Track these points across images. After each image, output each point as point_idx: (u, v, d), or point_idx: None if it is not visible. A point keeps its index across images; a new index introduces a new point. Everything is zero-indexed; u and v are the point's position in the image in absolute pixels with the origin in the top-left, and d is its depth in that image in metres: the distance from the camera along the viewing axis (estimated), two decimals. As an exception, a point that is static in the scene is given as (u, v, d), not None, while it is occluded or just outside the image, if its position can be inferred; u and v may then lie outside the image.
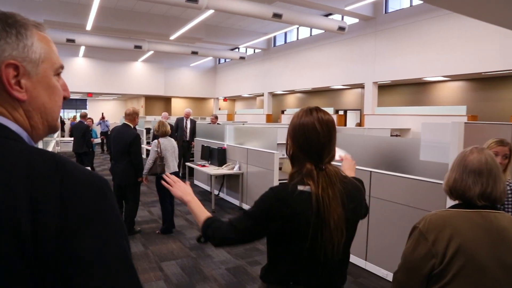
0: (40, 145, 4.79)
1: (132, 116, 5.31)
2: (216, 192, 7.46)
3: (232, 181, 7.26)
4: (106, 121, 16.33)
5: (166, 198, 5.39)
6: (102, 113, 18.39)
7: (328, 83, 14.88)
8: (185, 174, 8.75)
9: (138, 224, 5.73)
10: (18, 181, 0.61)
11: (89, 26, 13.04)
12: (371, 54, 12.71)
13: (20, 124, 0.72)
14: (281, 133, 7.79)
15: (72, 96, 27.35)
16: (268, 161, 6.10)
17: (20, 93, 0.71)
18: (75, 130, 9.05)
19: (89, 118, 9.86)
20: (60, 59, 0.82)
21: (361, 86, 14.09)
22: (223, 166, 7.10)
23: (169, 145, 5.37)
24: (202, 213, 1.52)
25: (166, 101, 25.80)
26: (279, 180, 5.86)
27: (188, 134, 9.69)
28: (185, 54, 17.94)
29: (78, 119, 22.63)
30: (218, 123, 10.41)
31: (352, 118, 16.25)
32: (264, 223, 1.37)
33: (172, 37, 14.58)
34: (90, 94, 22.32)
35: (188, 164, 7.91)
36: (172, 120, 10.69)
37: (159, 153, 5.28)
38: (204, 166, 7.33)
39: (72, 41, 13.99)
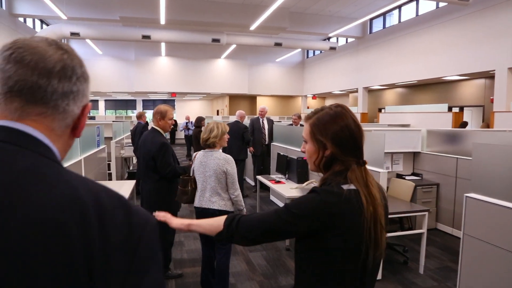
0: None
1: (155, 117, 3.70)
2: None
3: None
4: (191, 122, 15.21)
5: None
6: (187, 116, 17.53)
7: (440, 73, 11.94)
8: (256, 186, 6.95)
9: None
10: (90, 211, 0.62)
11: (162, 20, 12.02)
12: (506, 30, 9.62)
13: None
14: (390, 138, 5.59)
15: (157, 97, 27.58)
16: (371, 183, 4.00)
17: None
18: (134, 132, 7.86)
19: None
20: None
21: (488, 75, 10.99)
22: (304, 184, 5.13)
23: (212, 164, 3.35)
24: (215, 220, 1.45)
25: (250, 100, 24.52)
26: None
27: (267, 137, 7.91)
28: (268, 47, 16.29)
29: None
30: (301, 124, 8.46)
31: (470, 117, 12.96)
32: (306, 223, 1.26)
33: (252, 27, 12.97)
34: (174, 94, 21.91)
35: (259, 178, 6.06)
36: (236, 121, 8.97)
37: (192, 171, 3.60)
38: (279, 182, 5.45)
39: (148, 37, 13.19)
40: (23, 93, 0.66)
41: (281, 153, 6.00)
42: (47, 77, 0.67)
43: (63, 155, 0.74)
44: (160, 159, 3.69)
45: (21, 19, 13.51)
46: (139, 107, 30.23)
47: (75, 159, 4.66)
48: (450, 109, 12.33)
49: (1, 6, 11.98)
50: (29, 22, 14.62)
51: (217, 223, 1.42)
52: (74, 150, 4.74)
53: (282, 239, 1.38)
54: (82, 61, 0.75)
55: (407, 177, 5.81)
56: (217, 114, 26.14)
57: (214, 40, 14.02)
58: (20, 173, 0.61)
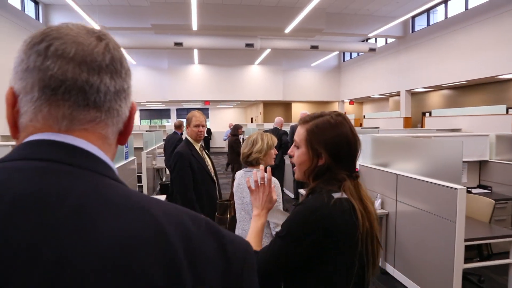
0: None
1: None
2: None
3: (368, 224, 4.54)
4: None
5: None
6: (230, 124, 17.06)
7: (495, 72, 10.85)
8: (298, 200, 6.30)
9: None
10: (176, 248, 0.49)
11: (194, 26, 11.69)
12: None
13: None
14: (468, 145, 4.82)
15: (191, 105, 27.48)
16: (442, 200, 3.27)
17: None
18: (167, 143, 7.43)
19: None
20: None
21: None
22: (353, 199, 4.45)
23: (244, 187, 2.65)
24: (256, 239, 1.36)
25: (285, 106, 23.90)
26: (465, 240, 3.08)
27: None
28: (303, 50, 15.63)
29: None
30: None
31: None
32: (304, 245, 1.17)
33: (287, 30, 12.41)
34: (207, 102, 21.64)
35: (301, 192, 5.41)
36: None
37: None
38: (324, 197, 4.79)
39: (180, 44, 12.89)
40: (72, 96, 0.53)
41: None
42: (98, 73, 0.55)
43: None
44: (172, 171, 3.26)
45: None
46: (173, 117, 30.31)
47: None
48: (507, 110, 11.18)
49: (38, 19, 12.06)
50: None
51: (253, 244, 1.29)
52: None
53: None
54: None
55: (473, 190, 4.99)
56: (251, 121, 25.68)
57: (248, 45, 13.55)
58: (80, 201, 0.47)
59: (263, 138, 2.60)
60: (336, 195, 1.19)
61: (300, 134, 1.32)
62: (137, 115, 29.42)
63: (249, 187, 1.48)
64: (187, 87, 19.86)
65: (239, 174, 2.62)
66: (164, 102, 22.76)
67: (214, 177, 3.42)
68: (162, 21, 11.70)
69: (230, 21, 12.01)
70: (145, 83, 20.26)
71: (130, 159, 5.99)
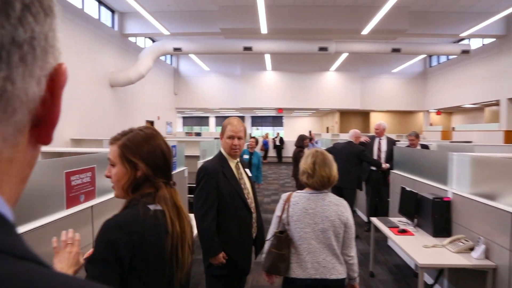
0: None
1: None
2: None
3: (468, 278, 3.33)
4: (316, 142, 13.57)
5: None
6: (310, 131, 16.21)
7: None
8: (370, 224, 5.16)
9: None
10: None
11: (264, 29, 11.05)
12: None
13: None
14: None
15: (264, 113, 27.00)
16: None
17: None
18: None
19: (252, 138, 7.53)
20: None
21: None
22: (446, 241, 3.30)
23: (328, 212, 2.30)
24: None
25: (363, 116, 22.35)
26: None
27: (384, 160, 6.12)
28: (383, 54, 14.23)
29: (270, 136, 22.14)
30: (423, 145, 6.47)
31: None
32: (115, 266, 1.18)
33: (365, 31, 11.22)
34: (280, 110, 20.95)
35: (374, 221, 4.30)
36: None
37: (285, 224, 2.38)
38: (404, 232, 3.69)
39: (249, 48, 12.37)
40: None
41: (407, 188, 4.21)
42: None
43: (17, 195, 0.36)
44: (195, 190, 2.54)
45: (131, 38, 13.86)
46: (247, 124, 30.19)
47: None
48: None
49: (114, 28, 12.33)
50: (133, 39, 15.05)
51: None
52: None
53: None
54: None
55: None
56: (327, 131, 24.45)
57: (321, 49, 12.57)
58: None
59: (306, 160, 2.35)
60: (152, 207, 1.26)
61: (113, 152, 1.32)
62: (212, 122, 29.70)
63: (55, 248, 1.40)
64: (259, 94, 19.39)
65: (301, 197, 2.35)
66: (237, 109, 22.56)
67: (252, 205, 2.59)
68: (231, 25, 11.26)
69: (301, 24, 11.18)
70: (218, 90, 20.20)
71: (178, 169, 5.38)
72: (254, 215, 2.58)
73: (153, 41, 14.98)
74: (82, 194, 2.86)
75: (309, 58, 17.23)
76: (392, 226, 3.87)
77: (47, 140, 0.39)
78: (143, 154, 1.30)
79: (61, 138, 9.39)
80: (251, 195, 2.60)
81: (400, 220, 4.14)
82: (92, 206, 2.92)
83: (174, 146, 5.44)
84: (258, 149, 19.06)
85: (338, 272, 2.26)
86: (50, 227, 2.39)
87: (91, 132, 10.62)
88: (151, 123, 16.54)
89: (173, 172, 5.05)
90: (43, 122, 0.37)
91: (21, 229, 2.15)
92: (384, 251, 5.31)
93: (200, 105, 20.47)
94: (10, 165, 0.33)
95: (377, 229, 4.13)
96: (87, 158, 3.00)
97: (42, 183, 2.43)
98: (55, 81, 0.36)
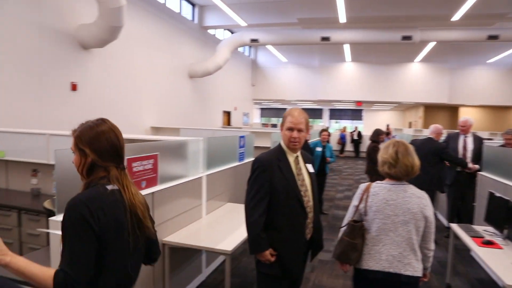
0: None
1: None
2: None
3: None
4: (393, 137, 12.76)
5: None
6: (388, 125, 15.45)
7: None
8: (450, 231, 4.65)
9: None
10: None
11: (342, 18, 10.61)
12: None
13: None
14: None
15: (343, 106, 26.19)
16: None
17: None
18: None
19: (325, 131, 7.29)
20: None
21: None
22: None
23: (410, 204, 2.22)
24: (39, 268, 1.31)
25: (451, 111, 20.64)
26: None
27: (470, 160, 5.50)
28: (478, 42, 12.92)
29: (348, 130, 21.40)
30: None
31: None
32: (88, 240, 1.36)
33: (455, 18, 10.23)
34: (359, 103, 20.16)
35: (454, 229, 3.84)
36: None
37: (362, 214, 2.33)
38: (489, 243, 3.25)
39: (327, 39, 12.00)
40: None
41: (497, 194, 3.70)
42: None
43: None
44: (248, 183, 2.40)
45: (210, 31, 14.22)
46: (325, 117, 29.59)
47: (192, 176, 3.68)
48: None
49: (194, 21, 12.74)
50: (212, 32, 15.38)
51: (47, 273, 1.31)
52: (193, 165, 3.76)
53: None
54: None
55: None
56: (409, 126, 23.03)
57: (405, 38, 11.75)
58: None
59: (387, 150, 2.33)
60: (109, 187, 1.45)
61: (72, 142, 1.52)
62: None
63: None
64: (338, 86, 18.84)
65: (381, 188, 2.29)
66: (315, 102, 22.18)
67: (309, 203, 2.40)
68: (308, 15, 11.02)
69: (383, 11, 10.52)
70: (295, 82, 20.03)
71: (246, 160, 5.38)
72: (310, 215, 2.39)
73: (232, 32, 15.23)
74: (144, 180, 2.94)
75: (391, 48, 16.26)
76: (475, 236, 3.44)
77: None
78: (90, 142, 1.48)
79: (142, 126, 9.97)
80: (309, 193, 2.41)
81: (485, 230, 3.67)
82: (153, 193, 2.98)
83: (242, 137, 5.44)
84: (334, 143, 18.58)
85: (414, 268, 2.17)
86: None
87: (169, 121, 11.13)
88: (228, 113, 16.93)
89: (241, 163, 5.10)
90: None
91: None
92: (465, 262, 4.77)
93: (277, 97, 20.48)
94: None
95: (457, 236, 3.71)
96: (150, 145, 3.07)
97: (104, 167, 2.52)
98: None
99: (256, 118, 26.77)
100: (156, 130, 10.24)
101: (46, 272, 1.31)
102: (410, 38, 11.73)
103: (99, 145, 1.48)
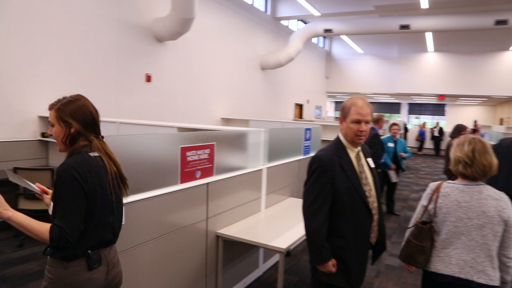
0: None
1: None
2: None
3: None
4: (482, 136, 11.74)
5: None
6: (475, 121, 14.22)
7: None
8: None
9: None
10: None
11: (424, 4, 9.79)
12: None
13: None
14: None
15: (423, 100, 24.47)
16: None
17: None
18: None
19: (395, 125, 6.79)
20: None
21: None
22: None
23: (486, 206, 2.00)
24: (37, 222, 1.52)
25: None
26: None
27: None
28: None
29: (428, 126, 19.91)
30: None
31: None
32: (84, 200, 1.57)
33: None
34: (442, 97, 18.67)
35: None
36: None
37: (431, 215, 2.15)
38: None
39: (406, 27, 11.18)
40: None
41: None
42: None
43: None
44: (306, 183, 2.15)
45: (283, 22, 14.03)
46: (404, 111, 27.99)
47: (252, 168, 3.57)
48: None
49: (266, 12, 12.65)
50: (285, 23, 15.13)
51: (44, 226, 1.51)
52: (253, 156, 3.65)
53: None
54: None
55: None
56: (500, 123, 20.85)
57: (499, 23, 10.49)
58: None
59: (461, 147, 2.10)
60: (92, 154, 1.64)
61: (52, 115, 1.67)
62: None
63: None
64: (418, 78, 17.61)
65: (453, 188, 2.09)
66: (392, 95, 21.01)
67: (374, 205, 2.14)
68: (386, 1, 10.33)
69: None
70: (372, 74, 19.13)
71: (312, 154, 5.15)
72: (376, 217, 2.14)
73: (305, 23, 14.89)
74: (198, 170, 2.88)
75: (481, 36, 14.71)
76: None
77: None
78: (74, 114, 1.65)
79: (213, 117, 10.13)
80: (373, 192, 2.15)
81: None
82: (208, 184, 2.92)
83: (308, 129, 5.22)
84: (412, 140, 17.43)
85: (489, 277, 1.96)
86: (161, 199, 2.44)
87: (240, 113, 11.20)
88: (300, 106, 16.67)
89: (306, 156, 4.89)
90: None
91: (133, 198, 2.23)
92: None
93: (352, 90, 19.72)
94: None
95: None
96: (206, 134, 2.99)
97: (157, 156, 2.48)
98: None
99: (329, 111, 26.10)
100: (226, 121, 10.36)
101: (43, 226, 1.50)
102: (506, 22, 10.44)
103: (83, 116, 1.67)
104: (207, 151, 2.95)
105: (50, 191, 1.86)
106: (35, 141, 5.69)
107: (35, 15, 5.66)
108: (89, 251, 1.62)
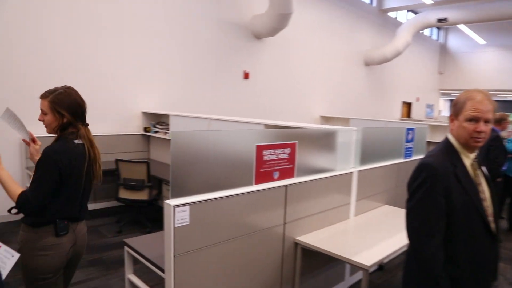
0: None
1: None
2: None
3: None
4: None
5: None
6: None
7: None
8: None
9: None
10: None
11: None
12: None
13: None
14: None
15: None
16: None
17: None
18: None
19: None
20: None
21: None
22: None
23: None
24: (16, 186, 1.85)
25: None
26: None
27: None
28: None
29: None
30: None
31: None
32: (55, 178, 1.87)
33: None
34: None
35: None
36: None
37: None
38: None
39: (444, 20, 9.57)
40: None
41: None
42: None
43: None
44: (410, 198, 1.71)
45: (390, 13, 13.06)
46: (536, 111, 24.19)
47: (341, 170, 3.23)
48: None
49: (372, 4, 11.90)
50: (393, 14, 14.02)
51: (18, 190, 1.84)
52: (342, 158, 3.32)
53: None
54: None
55: None
56: None
57: None
58: None
59: None
60: (76, 141, 1.93)
61: (45, 104, 1.92)
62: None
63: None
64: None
65: None
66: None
67: (493, 226, 1.68)
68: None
69: None
70: (495, 68, 16.86)
71: (414, 158, 4.59)
72: (496, 239, 1.68)
73: (415, 13, 13.66)
74: (277, 170, 2.66)
75: None
76: None
77: None
78: (67, 107, 1.92)
79: (311, 115, 9.84)
80: (490, 209, 1.68)
81: None
82: (287, 186, 2.68)
83: (411, 129, 4.64)
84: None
85: None
86: (232, 200, 2.28)
87: (340, 111, 10.71)
88: (408, 105, 15.42)
89: (407, 160, 4.35)
90: None
91: (202, 197, 2.12)
92: None
93: (470, 86, 17.50)
94: None
95: None
96: (287, 132, 2.76)
97: (230, 154, 2.33)
98: None
99: (443, 111, 23.73)
100: (326, 119, 9.98)
101: (17, 190, 1.82)
102: None
103: (75, 109, 1.94)
104: (287, 150, 2.72)
105: (39, 142, 2.11)
106: (139, 135, 6.08)
107: (141, 19, 6.03)
108: (57, 220, 1.91)
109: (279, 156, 2.66)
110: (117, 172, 4.75)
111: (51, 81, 5.05)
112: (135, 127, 6.12)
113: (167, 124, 5.78)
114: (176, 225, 2.00)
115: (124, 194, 4.76)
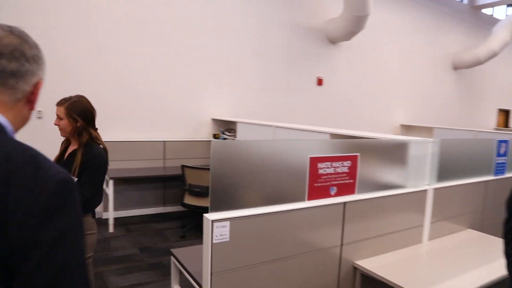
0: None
1: None
2: None
3: None
4: None
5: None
6: None
7: None
8: None
9: None
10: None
11: None
12: None
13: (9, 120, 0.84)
14: None
15: None
16: None
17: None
18: None
19: None
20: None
21: None
22: None
23: None
24: None
25: None
26: None
27: None
28: None
29: None
30: None
31: None
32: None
33: None
34: None
35: None
36: None
37: None
38: None
39: None
40: None
41: None
42: None
43: (18, 125, 0.86)
44: None
45: (484, 10, 11.80)
46: None
47: (413, 187, 2.86)
48: None
49: (462, 1, 10.88)
50: (488, 11, 12.61)
51: None
52: (414, 173, 2.94)
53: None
54: (35, 45, 0.85)
55: None
56: None
57: None
58: None
59: None
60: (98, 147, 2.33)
61: (61, 110, 2.24)
62: None
63: None
64: None
65: None
66: None
67: None
68: None
69: None
70: None
71: (507, 175, 3.96)
72: None
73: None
74: (334, 186, 2.39)
75: None
76: None
77: (32, 108, 0.88)
78: (80, 113, 2.25)
79: (391, 124, 9.22)
80: None
81: None
82: (345, 203, 2.40)
83: (504, 142, 4.02)
84: None
85: None
86: (280, 217, 2.08)
87: (424, 119, 9.90)
88: (506, 112, 13.82)
89: (498, 177, 3.77)
90: (31, 101, 0.87)
91: (245, 212, 1.95)
92: None
93: None
94: (10, 110, 0.82)
95: None
96: (347, 143, 2.48)
97: (280, 166, 2.14)
98: (36, 86, 0.86)
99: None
100: (406, 128, 9.28)
101: None
102: None
103: (87, 115, 2.27)
104: (347, 163, 2.44)
105: None
106: (208, 142, 6.14)
107: (210, 27, 6.10)
108: (94, 209, 2.35)
109: (337, 170, 2.40)
110: (183, 177, 4.80)
111: (126, 91, 5.34)
112: (205, 133, 6.19)
113: (236, 131, 5.75)
114: (214, 241, 1.86)
115: (189, 200, 4.80)
